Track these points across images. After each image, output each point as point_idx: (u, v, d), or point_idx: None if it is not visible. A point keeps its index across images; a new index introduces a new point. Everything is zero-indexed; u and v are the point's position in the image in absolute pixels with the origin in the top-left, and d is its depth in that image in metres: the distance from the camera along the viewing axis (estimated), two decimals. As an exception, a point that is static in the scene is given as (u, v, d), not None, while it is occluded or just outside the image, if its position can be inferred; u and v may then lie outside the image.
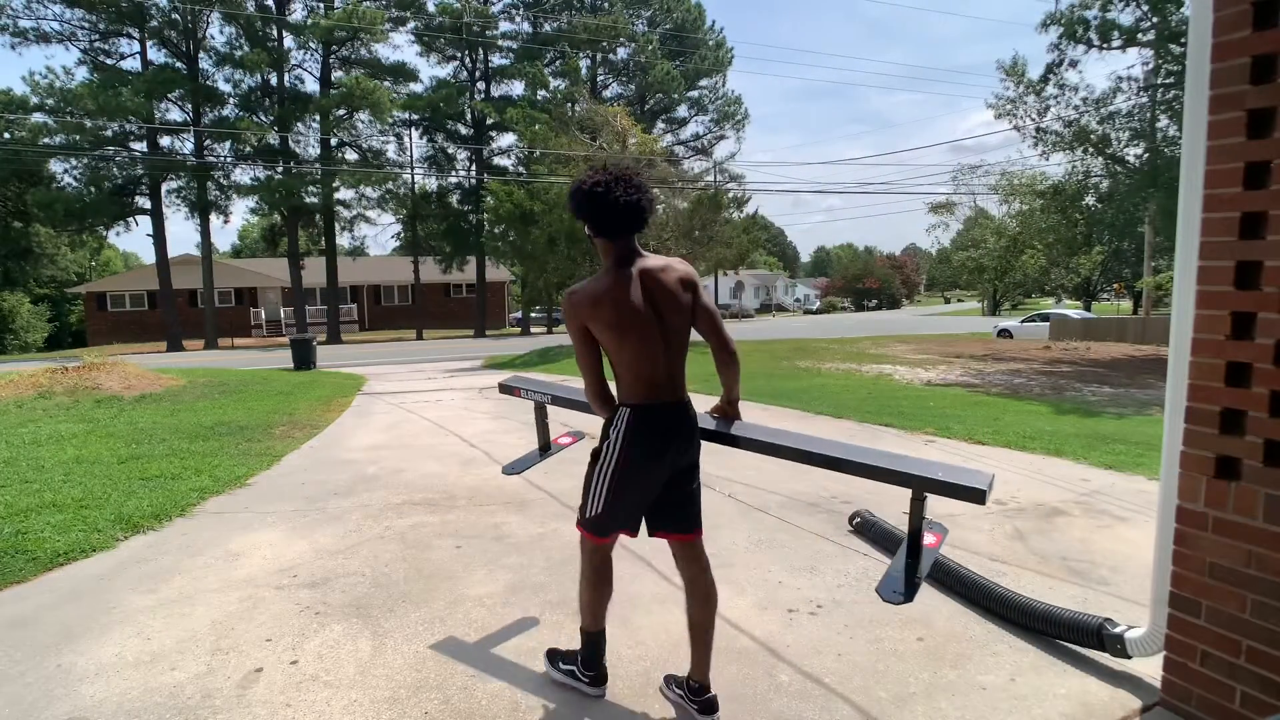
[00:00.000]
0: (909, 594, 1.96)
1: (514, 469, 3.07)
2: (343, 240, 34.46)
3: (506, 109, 31.78)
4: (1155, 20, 14.46)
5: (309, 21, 29.97)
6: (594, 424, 2.30)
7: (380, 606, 2.99)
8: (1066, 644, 2.53)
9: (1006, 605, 2.72)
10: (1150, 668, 2.30)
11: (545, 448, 3.03)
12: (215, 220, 34.73)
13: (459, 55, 35.01)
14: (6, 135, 27.42)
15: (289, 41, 30.49)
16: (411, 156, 34.32)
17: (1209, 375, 2.00)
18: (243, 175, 31.58)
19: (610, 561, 2.26)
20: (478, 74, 35.71)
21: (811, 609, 2.89)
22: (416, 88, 34.05)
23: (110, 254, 55.52)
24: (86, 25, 29.01)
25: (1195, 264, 2.02)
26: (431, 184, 36.07)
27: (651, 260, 2.10)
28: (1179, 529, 2.08)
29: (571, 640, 2.46)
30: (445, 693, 2.34)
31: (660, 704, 2.26)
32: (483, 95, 35.40)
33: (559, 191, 18.81)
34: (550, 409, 2.98)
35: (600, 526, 2.15)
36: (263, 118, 30.69)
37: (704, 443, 2.24)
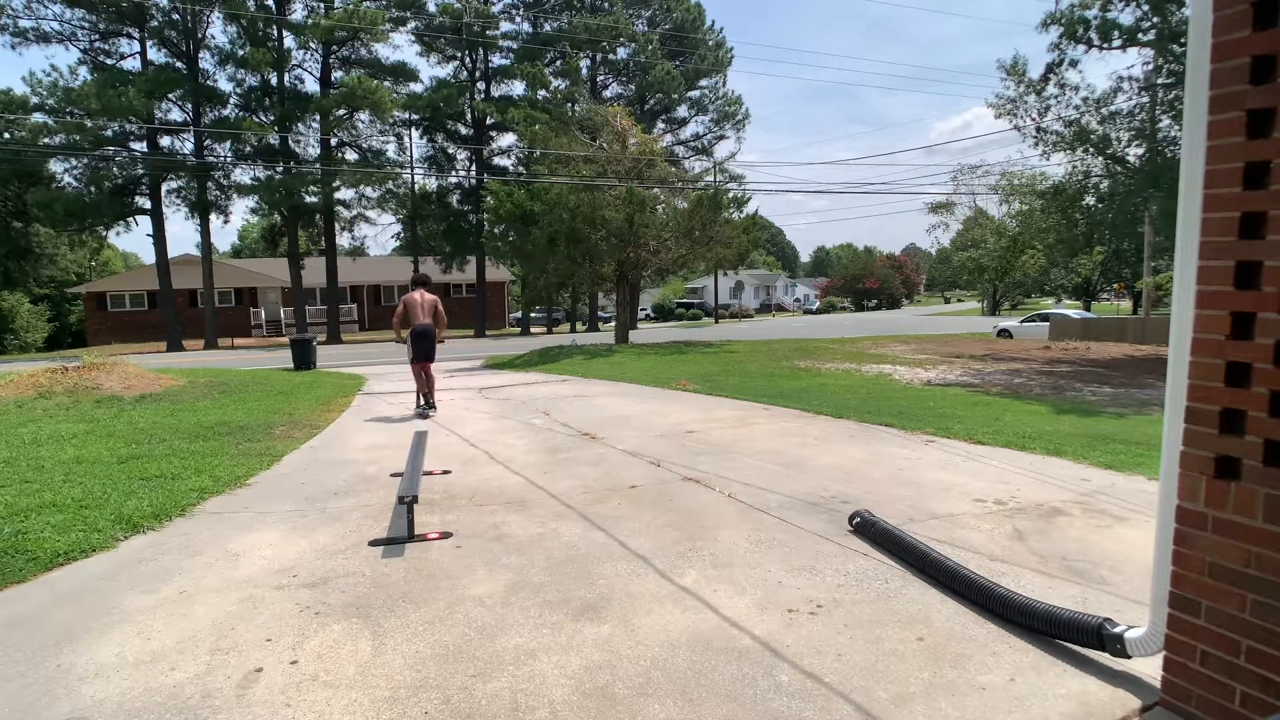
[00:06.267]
0: None
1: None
2: (343, 240, 34.52)
3: (507, 109, 31.80)
4: (1155, 20, 14.44)
5: (309, 21, 29.97)
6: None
7: (380, 606, 2.99)
8: (1066, 644, 2.53)
9: (1007, 605, 2.72)
10: (1150, 668, 2.30)
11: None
12: (215, 220, 34.82)
13: (459, 55, 35.03)
14: (6, 135, 27.40)
15: (289, 41, 30.50)
16: (411, 156, 34.34)
17: (1209, 375, 1.99)
18: (243, 175, 31.66)
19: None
20: (478, 74, 35.73)
21: (811, 609, 2.89)
22: (416, 88, 34.11)
23: (110, 254, 55.42)
24: (86, 25, 29.04)
25: (1195, 264, 2.02)
26: (431, 184, 36.11)
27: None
28: (1179, 529, 2.08)
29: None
30: (445, 693, 2.34)
31: (660, 703, 2.26)
32: (483, 95, 35.41)
33: (559, 191, 18.78)
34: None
35: (413, 361, 8.14)
36: (263, 117, 30.70)
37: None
